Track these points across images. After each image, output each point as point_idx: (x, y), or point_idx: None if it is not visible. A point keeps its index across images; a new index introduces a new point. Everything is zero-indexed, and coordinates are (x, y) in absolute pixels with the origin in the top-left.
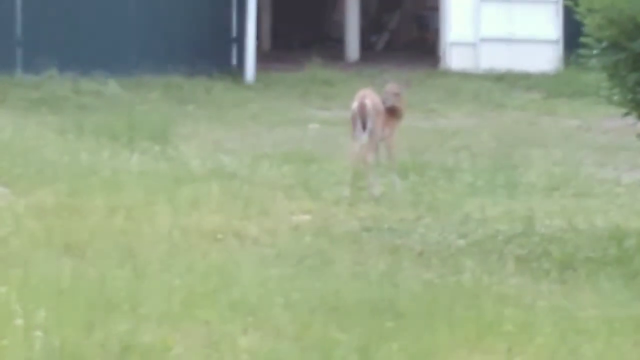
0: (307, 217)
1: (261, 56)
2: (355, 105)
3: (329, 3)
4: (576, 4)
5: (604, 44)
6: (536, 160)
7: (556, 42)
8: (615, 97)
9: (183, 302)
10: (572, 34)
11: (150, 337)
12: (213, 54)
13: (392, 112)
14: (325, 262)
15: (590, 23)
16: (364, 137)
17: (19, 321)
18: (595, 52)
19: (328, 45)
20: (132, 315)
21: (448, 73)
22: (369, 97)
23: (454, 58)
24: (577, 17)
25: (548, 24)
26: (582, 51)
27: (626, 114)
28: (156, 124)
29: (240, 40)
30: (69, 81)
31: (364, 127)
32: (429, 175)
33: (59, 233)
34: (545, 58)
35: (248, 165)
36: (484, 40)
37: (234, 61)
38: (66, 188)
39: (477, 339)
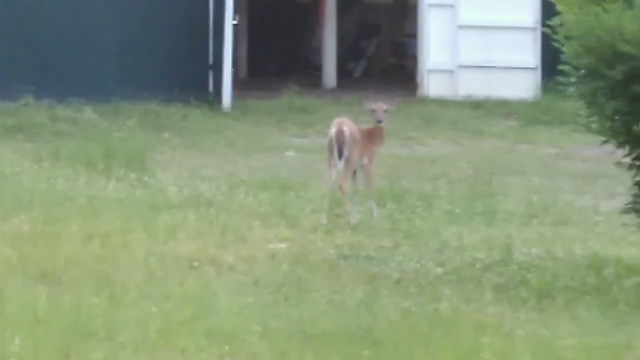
0: (284, 245)
1: (238, 83)
2: (332, 132)
3: (306, 30)
4: (554, 32)
5: (582, 72)
6: (514, 188)
7: (534, 69)
8: (594, 125)
9: (159, 330)
10: (550, 62)
11: None
12: (190, 81)
13: (372, 139)
14: (302, 290)
15: (568, 50)
16: (341, 165)
17: None
18: (573, 79)
19: (306, 72)
20: (108, 343)
21: (426, 100)
22: (346, 125)
23: (432, 85)
24: (555, 44)
25: (526, 51)
26: (560, 79)
27: (604, 142)
28: (133, 151)
29: (217, 67)
30: (45, 108)
31: (340, 154)
32: (406, 202)
33: (34, 260)
34: (524, 85)
35: (225, 192)
36: (461, 67)
37: (211, 88)
38: (42, 215)
39: None
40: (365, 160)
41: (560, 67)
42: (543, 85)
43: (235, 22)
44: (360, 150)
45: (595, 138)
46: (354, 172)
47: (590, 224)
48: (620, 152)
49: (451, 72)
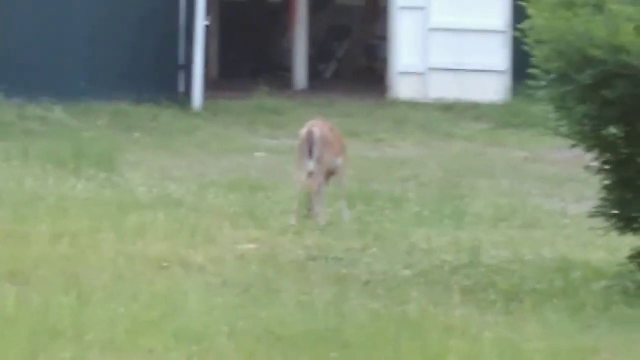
0: (253, 246)
1: (209, 84)
2: (303, 132)
3: (277, 31)
4: (525, 35)
5: (552, 76)
6: (483, 191)
7: (504, 72)
8: (563, 129)
9: (127, 331)
10: (521, 65)
11: None
12: (160, 81)
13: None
14: (270, 291)
15: (538, 54)
16: (311, 166)
17: None
18: (543, 83)
19: (277, 73)
20: (77, 343)
21: (396, 102)
22: (318, 126)
23: (402, 87)
24: (526, 48)
25: (496, 55)
26: (530, 82)
27: (574, 146)
28: (103, 151)
29: (188, 67)
30: (14, 107)
31: (311, 155)
32: (376, 204)
33: (2, 260)
34: (494, 88)
35: (194, 193)
36: (432, 70)
37: (182, 89)
38: (11, 214)
39: None
40: (340, 161)
41: (531, 70)
42: (513, 88)
43: (207, 23)
44: (336, 151)
45: (564, 142)
46: (327, 173)
47: (558, 227)
48: (589, 156)
49: (422, 74)
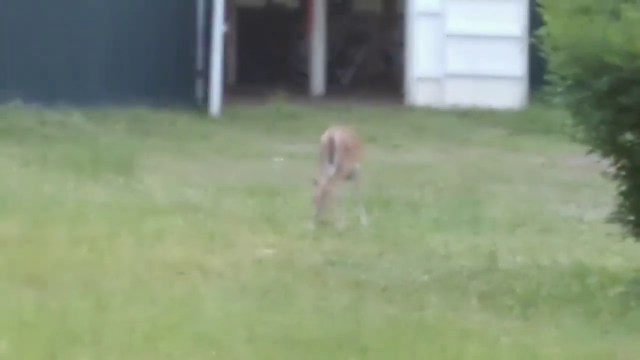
0: (271, 251)
1: (227, 89)
2: (324, 138)
3: (295, 37)
4: (541, 41)
5: (569, 82)
6: (500, 197)
7: (521, 78)
8: (580, 135)
9: (146, 335)
10: (537, 71)
11: None
12: (178, 87)
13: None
14: (288, 296)
15: (555, 61)
16: (331, 171)
17: None
18: (559, 89)
19: (294, 78)
20: (95, 347)
21: (413, 108)
22: (339, 132)
23: (419, 93)
24: (542, 54)
25: (513, 61)
26: (546, 88)
27: (590, 152)
28: (121, 156)
29: (206, 73)
30: (33, 112)
31: (331, 160)
32: (393, 210)
33: (21, 264)
34: (510, 94)
35: (212, 198)
36: (449, 75)
37: (200, 94)
38: (29, 219)
39: None
40: (358, 166)
41: (547, 77)
42: (530, 94)
43: (224, 28)
44: (356, 157)
45: (581, 147)
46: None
47: (575, 233)
48: (606, 162)
49: (438, 80)
